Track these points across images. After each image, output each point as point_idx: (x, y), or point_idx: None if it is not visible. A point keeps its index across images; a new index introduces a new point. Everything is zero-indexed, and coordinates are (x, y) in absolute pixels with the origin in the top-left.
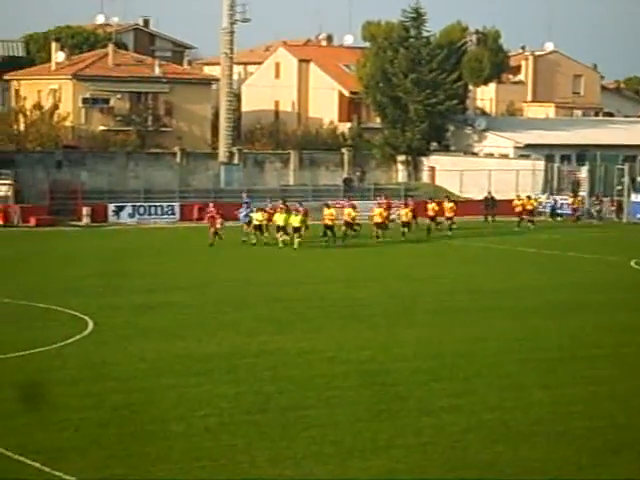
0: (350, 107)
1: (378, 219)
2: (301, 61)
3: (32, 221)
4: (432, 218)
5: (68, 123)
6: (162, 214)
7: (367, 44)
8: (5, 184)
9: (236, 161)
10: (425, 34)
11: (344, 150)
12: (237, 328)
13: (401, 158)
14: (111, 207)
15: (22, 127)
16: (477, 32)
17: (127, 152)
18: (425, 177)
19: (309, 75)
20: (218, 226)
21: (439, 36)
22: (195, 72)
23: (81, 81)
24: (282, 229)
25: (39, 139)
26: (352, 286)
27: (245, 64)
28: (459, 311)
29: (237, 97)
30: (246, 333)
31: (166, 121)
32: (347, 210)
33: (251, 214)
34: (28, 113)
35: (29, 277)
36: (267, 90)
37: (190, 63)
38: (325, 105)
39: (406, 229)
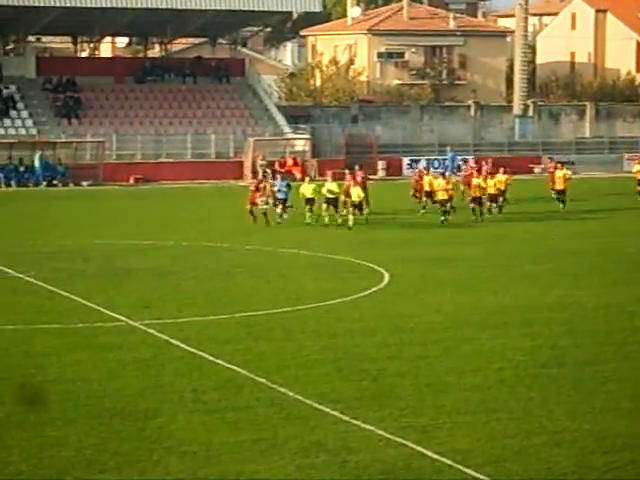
0: None
1: None
2: (598, 11)
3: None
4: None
5: (363, 78)
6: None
7: None
8: (303, 138)
9: (530, 114)
10: None
11: None
12: (532, 281)
13: None
14: (405, 160)
15: (318, 82)
16: None
17: (421, 106)
18: None
19: (606, 25)
20: (259, 203)
21: None
22: (489, 24)
23: (376, 35)
24: (358, 206)
25: (335, 94)
26: None
27: (540, 15)
28: None
29: (532, 49)
30: (541, 286)
31: (460, 74)
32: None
33: (285, 188)
34: (324, 68)
35: (329, 230)
36: (562, 41)
37: (484, 15)
38: (622, 55)
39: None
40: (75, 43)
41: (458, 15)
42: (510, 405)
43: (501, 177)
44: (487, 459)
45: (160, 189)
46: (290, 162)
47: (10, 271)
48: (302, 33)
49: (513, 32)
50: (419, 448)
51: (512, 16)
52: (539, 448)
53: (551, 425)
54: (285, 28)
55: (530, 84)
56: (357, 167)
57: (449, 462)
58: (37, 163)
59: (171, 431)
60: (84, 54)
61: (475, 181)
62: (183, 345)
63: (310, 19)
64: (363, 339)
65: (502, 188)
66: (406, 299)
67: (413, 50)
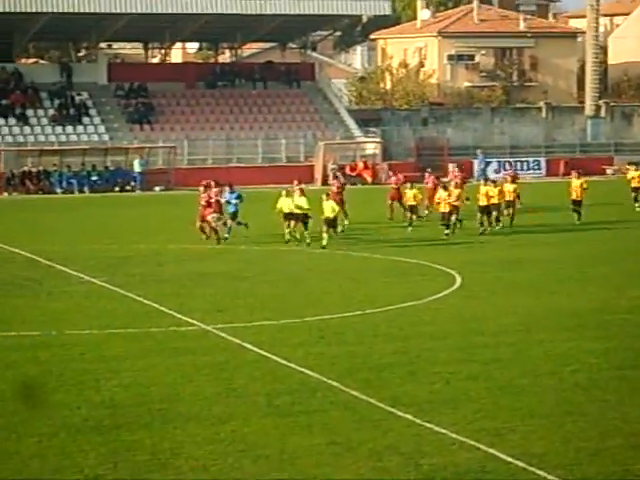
0: None
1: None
2: None
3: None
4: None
5: (433, 80)
6: (528, 169)
7: None
8: (373, 142)
9: (603, 114)
10: None
11: None
12: (606, 283)
13: None
14: (477, 163)
15: (388, 85)
16: None
17: (492, 108)
18: None
19: None
20: (210, 220)
21: None
22: (560, 25)
23: (446, 38)
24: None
25: (405, 97)
26: None
27: (611, 16)
28: None
29: (603, 50)
30: (616, 288)
31: (531, 76)
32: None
33: (235, 200)
34: (394, 71)
35: (400, 232)
36: (634, 41)
37: (555, 16)
38: None
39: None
40: (146, 49)
41: (528, 17)
42: (585, 407)
43: (509, 187)
44: (562, 462)
45: None
46: (361, 166)
47: (84, 276)
48: (372, 36)
49: (584, 33)
50: (493, 451)
51: (583, 17)
52: (614, 451)
53: (627, 427)
54: (355, 32)
55: (602, 85)
56: (331, 175)
57: (523, 465)
58: (138, 168)
59: (245, 435)
60: (155, 60)
61: (483, 189)
62: (256, 349)
63: (380, 22)
64: (435, 342)
65: (509, 199)
66: (478, 302)
67: (483, 52)
